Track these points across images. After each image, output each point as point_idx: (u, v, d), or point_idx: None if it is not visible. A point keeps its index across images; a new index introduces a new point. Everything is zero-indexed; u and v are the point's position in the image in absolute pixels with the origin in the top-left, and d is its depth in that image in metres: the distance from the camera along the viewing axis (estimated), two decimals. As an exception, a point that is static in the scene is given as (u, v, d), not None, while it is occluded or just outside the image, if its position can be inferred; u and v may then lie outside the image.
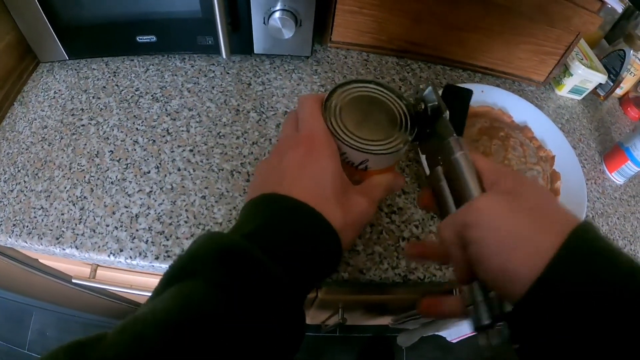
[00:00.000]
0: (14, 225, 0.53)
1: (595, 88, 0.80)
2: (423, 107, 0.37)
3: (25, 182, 0.56)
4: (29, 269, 0.73)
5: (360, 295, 0.78)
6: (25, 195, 0.55)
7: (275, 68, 0.69)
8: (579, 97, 0.80)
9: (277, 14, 0.60)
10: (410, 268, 0.53)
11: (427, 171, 0.38)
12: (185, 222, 0.53)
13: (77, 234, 0.53)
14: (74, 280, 0.65)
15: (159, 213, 0.54)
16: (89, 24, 0.62)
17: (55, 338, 1.36)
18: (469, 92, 0.44)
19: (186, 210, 0.54)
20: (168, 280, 0.27)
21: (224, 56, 0.61)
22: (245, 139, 0.61)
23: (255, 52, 0.66)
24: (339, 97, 0.37)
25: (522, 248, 0.26)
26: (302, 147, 0.33)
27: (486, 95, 0.71)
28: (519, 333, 0.27)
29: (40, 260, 0.72)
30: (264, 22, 0.61)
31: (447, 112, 0.36)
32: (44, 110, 0.63)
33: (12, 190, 0.56)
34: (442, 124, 0.35)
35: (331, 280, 0.51)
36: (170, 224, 0.53)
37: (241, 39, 0.64)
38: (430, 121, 0.37)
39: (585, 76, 0.75)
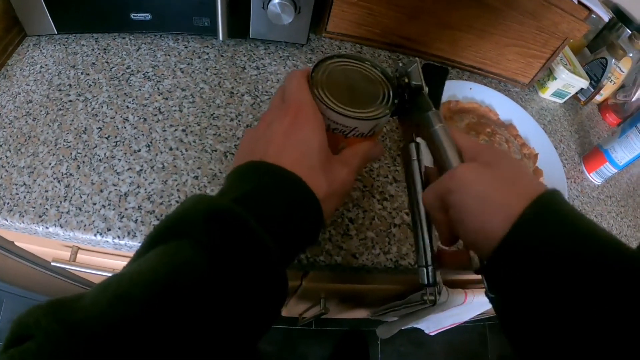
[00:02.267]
0: (-7, 201, 0.51)
1: (577, 93, 0.84)
2: (406, 81, 0.38)
3: (6, 157, 0.54)
4: (4, 252, 0.70)
5: (342, 284, 0.78)
6: (7, 171, 0.53)
7: (270, 54, 0.68)
8: (561, 101, 0.84)
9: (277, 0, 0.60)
10: (402, 254, 0.54)
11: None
12: (177, 201, 0.52)
13: (62, 212, 0.51)
14: (52, 263, 0.63)
15: (150, 192, 0.53)
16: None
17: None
18: (446, 71, 0.47)
19: (178, 190, 0.53)
20: (153, 240, 0.27)
21: (221, 38, 0.61)
22: (239, 121, 0.60)
23: (250, 36, 0.65)
24: (325, 69, 0.38)
25: (496, 211, 0.28)
26: (288, 117, 0.34)
27: (474, 93, 0.73)
28: (491, 285, 0.30)
29: (17, 244, 0.69)
30: (263, 7, 0.61)
31: (427, 88, 0.38)
32: (29, 85, 0.60)
33: (-8, 166, 0.53)
34: (422, 99, 0.38)
35: (324, 263, 0.51)
36: (161, 204, 0.52)
37: (238, 22, 0.63)
38: (411, 96, 0.39)
39: (568, 80, 0.78)
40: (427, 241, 0.37)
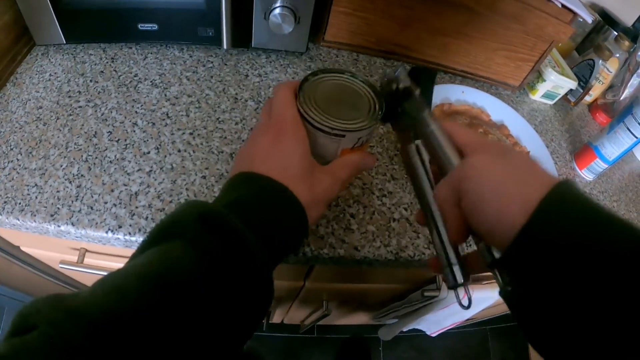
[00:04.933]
0: (4, 202, 0.52)
1: (566, 94, 0.87)
2: (395, 87, 0.39)
3: (18, 160, 0.56)
4: (9, 257, 0.70)
5: (344, 284, 0.80)
6: (18, 173, 0.55)
7: (271, 62, 0.71)
8: (551, 102, 0.87)
9: (277, 10, 0.63)
10: (402, 246, 0.56)
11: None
12: (186, 199, 0.54)
13: (74, 211, 0.52)
14: (60, 266, 0.64)
15: (159, 191, 0.55)
16: (90, 7, 0.62)
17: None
18: (434, 72, 0.47)
19: (187, 189, 0.55)
20: (149, 242, 0.30)
21: (225, 47, 0.64)
22: (244, 124, 0.62)
23: (253, 45, 0.68)
24: (311, 85, 0.40)
25: (513, 200, 0.28)
26: (271, 133, 0.37)
27: (466, 96, 0.76)
28: (508, 278, 0.31)
29: (23, 249, 0.70)
30: (265, 17, 0.64)
31: (418, 90, 0.39)
32: (38, 92, 0.62)
33: (3, 168, 0.55)
34: (414, 102, 0.38)
35: (328, 256, 0.53)
36: (171, 202, 0.54)
37: (240, 32, 0.66)
38: (402, 100, 0.39)
39: (557, 82, 0.82)
40: (447, 240, 0.36)
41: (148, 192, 0.55)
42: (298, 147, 0.36)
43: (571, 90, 0.86)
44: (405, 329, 1.00)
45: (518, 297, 0.29)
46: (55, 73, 0.65)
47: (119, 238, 0.52)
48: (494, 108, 0.77)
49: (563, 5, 0.71)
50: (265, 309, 0.31)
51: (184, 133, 0.60)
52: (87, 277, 0.70)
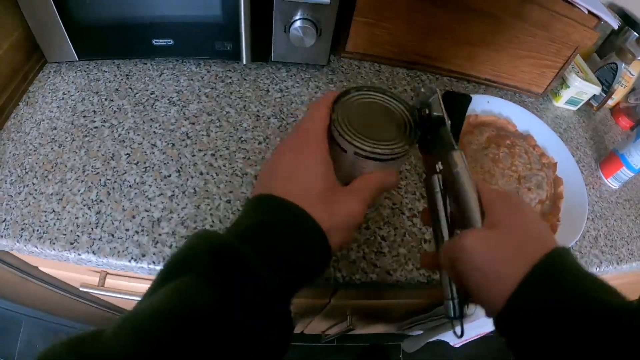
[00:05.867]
0: (22, 229, 0.50)
1: (589, 99, 0.85)
2: (427, 112, 0.38)
3: (34, 184, 0.53)
4: (27, 277, 0.68)
5: (369, 300, 0.78)
6: (35, 198, 0.52)
7: (292, 76, 0.69)
8: (575, 108, 0.85)
9: (298, 23, 0.61)
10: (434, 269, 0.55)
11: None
12: (211, 226, 0.52)
13: (94, 239, 0.50)
14: (81, 289, 0.62)
15: (183, 217, 0.53)
16: (103, 24, 0.60)
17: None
18: (468, 99, 0.45)
19: (211, 215, 0.53)
20: (163, 278, 0.28)
21: (245, 62, 0.61)
22: (267, 144, 0.60)
23: (272, 59, 0.66)
24: (345, 104, 0.38)
25: (496, 283, 0.30)
26: (292, 149, 0.35)
27: (492, 106, 0.74)
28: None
29: (41, 268, 0.67)
30: (285, 30, 0.62)
31: (449, 122, 0.37)
32: (52, 112, 0.60)
33: (19, 193, 0.53)
34: (444, 134, 0.37)
35: (360, 281, 0.51)
36: (195, 228, 0.52)
37: (259, 46, 0.64)
38: (432, 128, 0.38)
39: (581, 88, 0.80)
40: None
41: (171, 218, 0.52)
42: (319, 166, 0.34)
43: (594, 95, 0.84)
44: (429, 340, 0.99)
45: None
46: (68, 91, 0.62)
47: (142, 267, 0.50)
48: (520, 117, 0.75)
49: (589, 12, 0.69)
50: (285, 342, 0.29)
51: (205, 154, 0.58)
52: (110, 298, 0.68)
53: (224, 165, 0.57)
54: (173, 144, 0.58)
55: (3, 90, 0.59)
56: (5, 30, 0.58)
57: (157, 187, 0.55)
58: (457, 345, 1.09)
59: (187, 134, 0.59)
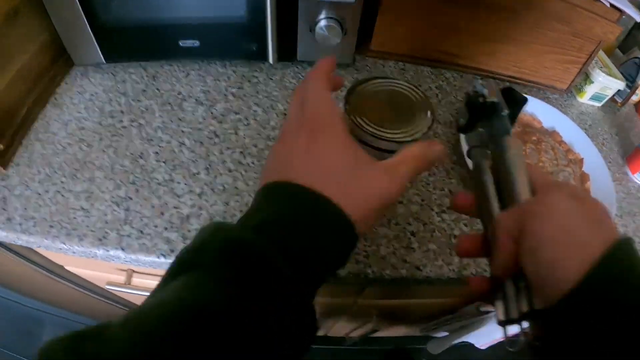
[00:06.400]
0: (50, 226, 0.50)
1: (613, 95, 0.84)
2: (482, 100, 0.37)
3: (62, 182, 0.53)
4: (52, 275, 0.68)
5: (395, 299, 0.76)
6: (63, 196, 0.52)
7: (316, 75, 0.69)
8: (599, 104, 0.84)
9: (323, 22, 0.60)
10: (463, 264, 0.53)
11: (469, 163, 0.38)
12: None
13: (123, 235, 0.50)
14: (107, 287, 0.61)
15: (212, 214, 0.52)
16: (130, 26, 0.61)
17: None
18: (524, 100, 0.44)
19: (240, 211, 0.52)
20: (174, 273, 0.26)
21: (271, 62, 0.61)
22: (295, 141, 0.60)
23: (298, 59, 0.66)
24: (359, 93, 0.38)
25: (577, 247, 0.26)
26: (306, 130, 0.31)
27: (517, 103, 0.74)
28: (547, 331, 0.27)
29: (67, 268, 0.67)
30: (310, 30, 0.62)
31: (507, 110, 0.36)
32: (80, 112, 0.60)
33: (47, 191, 0.52)
34: (499, 121, 0.36)
35: (390, 277, 0.50)
36: (225, 225, 0.51)
37: (285, 46, 0.64)
38: (487, 115, 0.37)
39: (605, 83, 0.79)
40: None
41: (200, 214, 0.52)
42: (337, 144, 0.30)
43: (619, 90, 0.83)
44: (455, 342, 0.96)
45: (547, 352, 0.28)
46: (96, 93, 0.63)
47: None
48: (545, 114, 0.74)
49: (611, 5, 0.68)
50: (307, 341, 0.27)
51: (233, 152, 0.57)
52: (135, 297, 0.67)
53: (253, 163, 0.56)
54: (201, 142, 0.58)
55: (30, 92, 0.59)
56: (32, 33, 0.59)
57: (185, 184, 0.54)
58: (483, 347, 1.06)
59: (215, 132, 0.59)
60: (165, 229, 0.51)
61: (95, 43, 0.61)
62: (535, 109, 0.74)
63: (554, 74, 0.78)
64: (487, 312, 0.71)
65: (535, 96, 0.77)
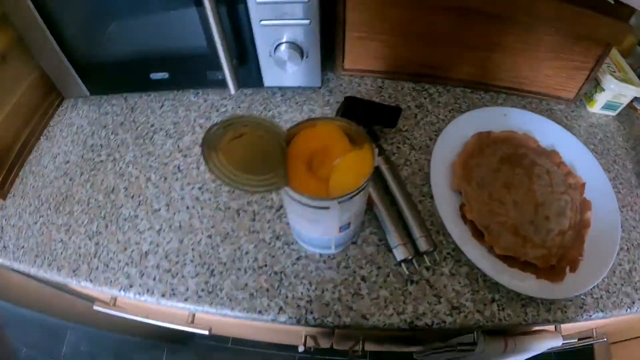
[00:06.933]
0: (36, 256, 0.56)
1: (632, 102, 0.73)
2: None
3: (47, 215, 0.59)
4: (59, 291, 0.77)
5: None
6: (47, 228, 0.58)
7: (286, 100, 0.68)
8: (614, 113, 0.74)
9: (282, 47, 0.59)
10: (418, 313, 0.51)
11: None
12: (191, 260, 0.54)
13: (92, 268, 0.55)
14: (95, 307, 0.68)
15: (167, 251, 0.55)
16: (107, 62, 0.64)
17: (89, 353, 1.42)
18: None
19: (192, 249, 0.55)
20: None
21: (233, 92, 0.61)
22: (252, 175, 0.61)
23: (265, 85, 0.66)
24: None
25: None
26: None
27: (510, 119, 0.66)
28: None
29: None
30: (270, 55, 0.61)
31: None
32: (67, 146, 0.66)
33: (36, 223, 0.59)
34: None
35: (332, 325, 0.50)
36: (177, 262, 0.54)
37: (250, 72, 0.64)
38: None
39: (618, 90, 0.69)
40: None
41: (157, 251, 0.56)
42: None
43: (636, 97, 0.71)
44: None
45: None
46: (81, 126, 0.68)
47: (130, 297, 0.54)
48: (543, 131, 0.66)
49: (616, 1, 0.57)
50: None
51: (193, 188, 0.60)
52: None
53: (209, 199, 0.59)
54: (165, 178, 0.61)
55: (25, 126, 0.66)
56: (22, 74, 0.65)
57: (147, 220, 0.58)
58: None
59: (179, 167, 0.62)
60: (127, 264, 0.55)
61: (78, 78, 0.66)
62: (531, 124, 0.67)
63: (557, 82, 0.70)
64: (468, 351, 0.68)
65: (536, 109, 0.69)
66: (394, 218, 0.53)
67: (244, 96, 0.69)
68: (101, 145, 0.65)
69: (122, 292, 0.54)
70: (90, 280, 0.55)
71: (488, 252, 0.55)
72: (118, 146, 0.65)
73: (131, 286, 0.54)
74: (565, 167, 0.64)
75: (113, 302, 0.68)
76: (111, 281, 0.54)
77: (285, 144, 0.38)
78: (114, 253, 0.56)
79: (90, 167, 0.63)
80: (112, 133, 0.66)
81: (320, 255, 0.54)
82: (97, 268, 0.55)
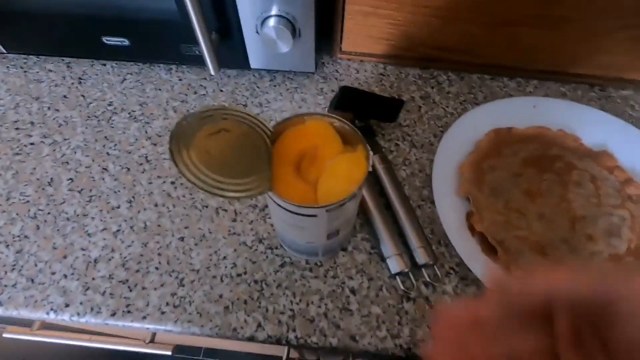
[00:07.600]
0: None
1: None
2: None
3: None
4: None
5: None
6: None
7: (275, 86, 0.58)
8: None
9: (270, 22, 0.48)
10: (416, 339, 0.40)
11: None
12: (157, 268, 0.41)
13: (5, 285, 0.41)
14: (4, 335, 0.51)
15: (125, 257, 0.42)
16: (30, 9, 0.49)
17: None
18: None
19: (159, 254, 0.42)
20: None
21: (212, 72, 0.50)
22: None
23: (251, 66, 0.55)
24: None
25: None
26: None
27: (540, 111, 0.55)
28: None
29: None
30: (257, 32, 0.50)
31: None
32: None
33: None
34: None
35: (317, 345, 0.39)
36: (138, 271, 0.41)
37: (234, 50, 0.53)
38: None
39: None
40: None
41: (111, 258, 0.42)
42: None
43: None
44: None
45: None
46: (-1, 95, 0.52)
47: (64, 319, 0.40)
48: (590, 125, 0.54)
49: None
50: None
51: (164, 182, 0.47)
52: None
53: (184, 196, 0.46)
54: (128, 169, 0.48)
55: None
56: None
57: (101, 220, 0.44)
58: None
59: (147, 156, 0.49)
60: (65, 276, 0.41)
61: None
62: (572, 118, 0.54)
63: (623, 60, 0.56)
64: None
65: (583, 97, 0.56)
66: (388, 224, 0.45)
67: (227, 78, 0.57)
68: (32, 123, 0.51)
69: (52, 314, 0.39)
70: (0, 303, 0.40)
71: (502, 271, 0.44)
72: (60, 126, 0.51)
73: (67, 305, 0.40)
74: (622, 173, 0.52)
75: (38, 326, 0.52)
76: (36, 301, 0.40)
77: (271, 143, 0.33)
78: (45, 263, 0.42)
79: (14, 150, 0.48)
80: (49, 108, 0.52)
81: (307, 262, 0.43)
82: (14, 285, 0.41)
